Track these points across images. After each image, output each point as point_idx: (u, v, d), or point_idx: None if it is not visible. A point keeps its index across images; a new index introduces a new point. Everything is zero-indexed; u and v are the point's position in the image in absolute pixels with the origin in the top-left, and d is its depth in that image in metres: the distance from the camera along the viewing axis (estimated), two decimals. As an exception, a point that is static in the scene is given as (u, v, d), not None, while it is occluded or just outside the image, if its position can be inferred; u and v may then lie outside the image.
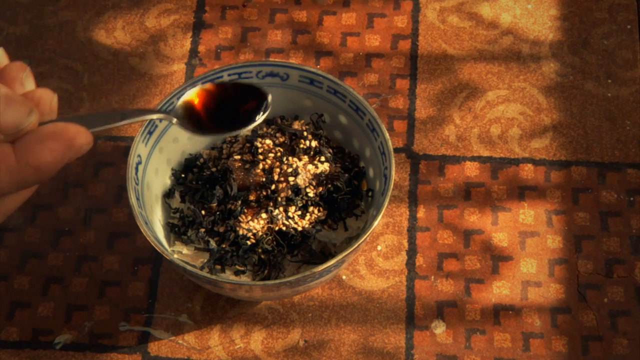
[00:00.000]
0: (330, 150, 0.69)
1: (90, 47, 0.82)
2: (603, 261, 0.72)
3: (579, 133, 0.77)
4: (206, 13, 0.83)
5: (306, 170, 0.68)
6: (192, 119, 0.54)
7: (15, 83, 0.41)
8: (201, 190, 0.69)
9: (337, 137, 0.72)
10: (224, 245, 0.66)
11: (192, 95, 0.55)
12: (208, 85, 0.55)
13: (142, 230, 0.62)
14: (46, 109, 0.42)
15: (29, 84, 0.42)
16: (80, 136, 0.41)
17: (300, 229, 0.66)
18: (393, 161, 0.64)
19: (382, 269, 0.72)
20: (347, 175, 0.69)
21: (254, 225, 0.66)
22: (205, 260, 0.67)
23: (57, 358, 0.69)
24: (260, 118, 0.55)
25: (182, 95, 0.54)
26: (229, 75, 0.68)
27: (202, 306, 0.71)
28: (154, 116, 0.52)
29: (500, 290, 0.71)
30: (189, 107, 0.54)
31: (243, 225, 0.66)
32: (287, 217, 0.66)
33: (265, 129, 0.70)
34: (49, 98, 0.42)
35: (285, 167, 0.67)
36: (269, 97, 0.55)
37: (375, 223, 0.62)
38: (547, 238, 0.73)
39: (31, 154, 0.40)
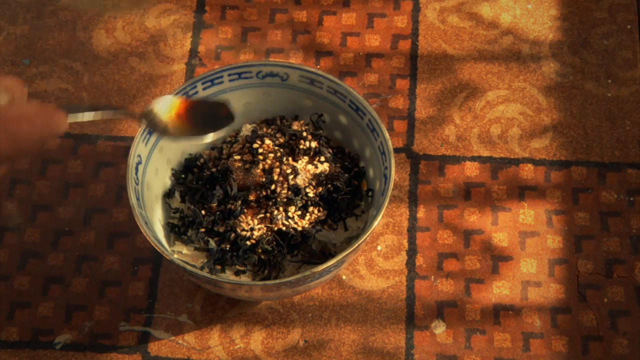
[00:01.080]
0: (330, 150, 0.69)
1: (90, 47, 0.82)
2: (603, 261, 0.72)
3: (579, 133, 0.77)
4: (206, 13, 0.83)
5: (306, 171, 0.68)
6: (160, 124, 0.58)
7: None
8: (201, 190, 0.69)
9: (337, 137, 0.72)
10: (223, 245, 0.66)
11: (162, 103, 0.59)
12: (178, 98, 0.60)
13: (142, 230, 0.62)
14: (18, 93, 0.43)
15: None
16: (59, 116, 0.42)
17: (300, 229, 0.66)
18: (393, 161, 0.64)
19: (382, 269, 0.72)
20: (347, 175, 0.69)
21: (254, 225, 0.66)
22: (205, 260, 0.67)
23: (57, 358, 0.69)
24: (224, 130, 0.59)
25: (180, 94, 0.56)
26: (229, 75, 0.68)
27: (202, 306, 0.71)
28: (124, 116, 0.57)
29: (500, 290, 0.71)
30: (159, 114, 0.58)
31: (243, 225, 0.66)
32: (287, 217, 0.66)
33: (265, 130, 0.70)
34: (20, 84, 0.43)
35: (285, 167, 0.67)
36: (231, 107, 0.60)
37: (375, 223, 0.62)
38: (547, 238, 0.73)
39: (11, 123, 0.40)
